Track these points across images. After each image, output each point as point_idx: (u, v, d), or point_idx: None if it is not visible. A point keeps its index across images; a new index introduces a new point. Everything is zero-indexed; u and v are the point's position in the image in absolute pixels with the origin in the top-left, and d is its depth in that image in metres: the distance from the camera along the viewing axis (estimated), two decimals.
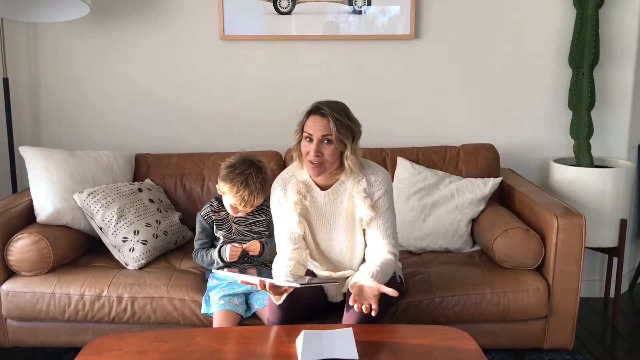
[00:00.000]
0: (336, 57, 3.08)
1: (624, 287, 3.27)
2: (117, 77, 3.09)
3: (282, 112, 3.04)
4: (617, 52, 3.03)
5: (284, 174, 2.16)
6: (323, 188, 2.10)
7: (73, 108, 3.11)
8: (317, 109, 1.99)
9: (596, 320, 2.98)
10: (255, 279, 1.87)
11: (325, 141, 1.97)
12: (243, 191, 2.20)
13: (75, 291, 2.32)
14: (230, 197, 2.24)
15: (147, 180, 2.86)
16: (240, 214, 2.30)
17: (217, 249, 2.32)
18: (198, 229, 2.38)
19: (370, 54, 3.08)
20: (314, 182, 2.09)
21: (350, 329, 1.75)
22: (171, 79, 3.10)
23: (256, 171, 2.23)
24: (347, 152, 1.99)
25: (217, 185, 2.31)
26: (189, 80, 3.10)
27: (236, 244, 2.30)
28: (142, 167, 2.92)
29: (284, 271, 2.01)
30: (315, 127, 1.97)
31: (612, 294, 3.11)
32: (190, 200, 2.86)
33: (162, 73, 3.09)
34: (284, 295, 1.93)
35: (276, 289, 1.89)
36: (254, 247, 2.31)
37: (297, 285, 1.82)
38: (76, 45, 3.05)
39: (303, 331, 1.73)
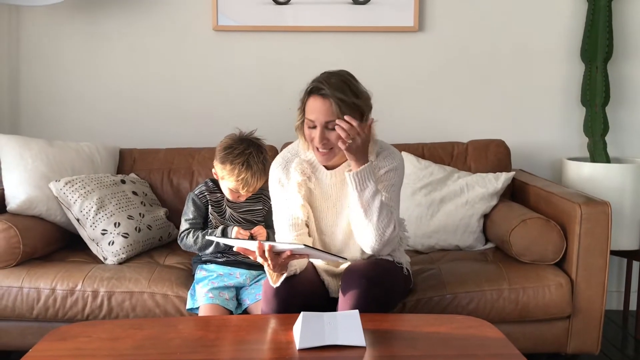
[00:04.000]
0: (336, 50, 2.91)
1: None
2: (103, 67, 2.91)
3: (278, 107, 2.85)
4: (632, 45, 2.89)
5: (285, 152, 1.95)
6: (329, 168, 1.90)
7: (55, 98, 2.91)
8: (316, 89, 1.79)
9: (616, 332, 2.74)
10: (253, 244, 1.63)
11: (331, 126, 1.77)
12: (245, 173, 2.00)
13: (45, 285, 2.08)
14: (231, 180, 2.03)
15: (132, 174, 2.64)
16: (241, 199, 2.09)
17: (220, 228, 2.08)
18: (190, 208, 2.13)
19: (372, 46, 2.92)
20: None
21: (356, 311, 1.52)
22: (161, 71, 2.91)
23: (257, 150, 2.04)
24: None
25: (212, 170, 2.10)
26: (180, 72, 2.92)
27: (242, 230, 2.06)
28: (127, 161, 2.71)
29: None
30: (317, 112, 1.77)
31: (631, 306, 2.88)
32: (178, 196, 2.63)
33: (151, 65, 2.91)
34: (283, 277, 1.70)
35: (275, 259, 1.66)
36: (261, 231, 2.08)
37: (301, 246, 1.58)
38: (60, 32, 2.87)
39: (302, 313, 1.50)
